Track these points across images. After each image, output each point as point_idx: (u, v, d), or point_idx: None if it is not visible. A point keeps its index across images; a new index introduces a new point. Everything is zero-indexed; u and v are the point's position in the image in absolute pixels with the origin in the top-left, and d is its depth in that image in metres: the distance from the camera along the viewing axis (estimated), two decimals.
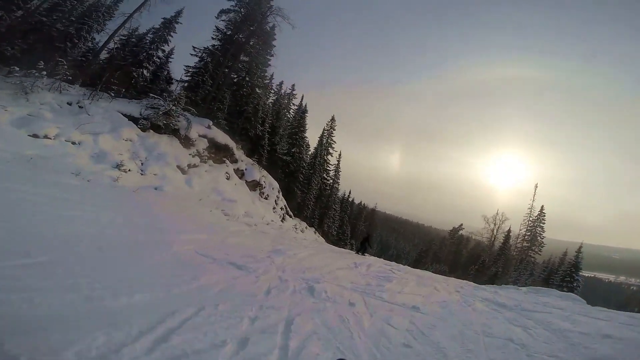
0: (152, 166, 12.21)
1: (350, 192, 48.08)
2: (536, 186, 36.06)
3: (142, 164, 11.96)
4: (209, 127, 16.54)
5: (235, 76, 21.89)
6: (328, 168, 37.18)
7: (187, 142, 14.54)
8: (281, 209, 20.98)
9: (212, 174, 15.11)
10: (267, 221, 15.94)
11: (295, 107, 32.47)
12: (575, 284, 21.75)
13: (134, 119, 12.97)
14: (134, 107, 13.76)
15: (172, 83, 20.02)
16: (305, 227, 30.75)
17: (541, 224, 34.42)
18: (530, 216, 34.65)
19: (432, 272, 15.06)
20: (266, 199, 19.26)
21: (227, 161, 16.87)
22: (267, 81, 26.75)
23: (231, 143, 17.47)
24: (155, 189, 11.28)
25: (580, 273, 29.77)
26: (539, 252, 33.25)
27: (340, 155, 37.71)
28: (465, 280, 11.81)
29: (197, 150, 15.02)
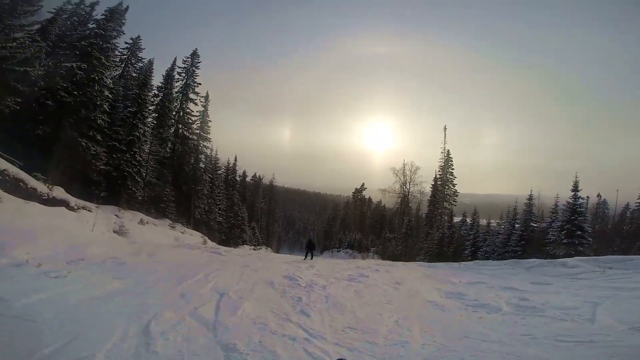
0: None
1: (236, 159, 35.43)
2: (445, 128, 32.35)
3: None
4: None
5: None
6: (189, 121, 23.99)
7: None
8: None
9: None
10: None
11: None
12: (589, 239, 16.52)
13: None
14: None
15: None
16: (141, 221, 16.86)
17: (450, 169, 30.92)
18: (443, 161, 30.65)
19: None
20: None
21: None
22: None
23: None
24: None
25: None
26: (454, 203, 29.68)
27: (207, 97, 24.68)
28: None
29: None
